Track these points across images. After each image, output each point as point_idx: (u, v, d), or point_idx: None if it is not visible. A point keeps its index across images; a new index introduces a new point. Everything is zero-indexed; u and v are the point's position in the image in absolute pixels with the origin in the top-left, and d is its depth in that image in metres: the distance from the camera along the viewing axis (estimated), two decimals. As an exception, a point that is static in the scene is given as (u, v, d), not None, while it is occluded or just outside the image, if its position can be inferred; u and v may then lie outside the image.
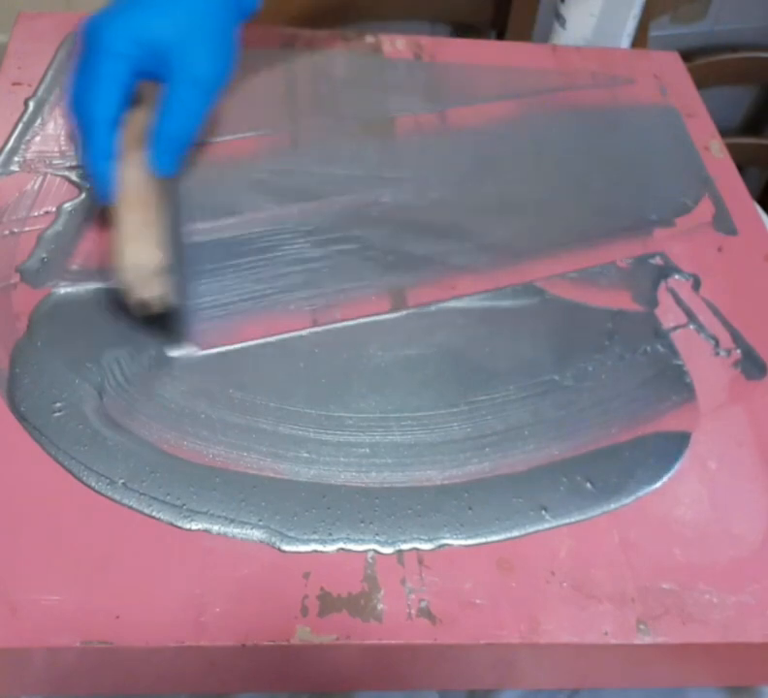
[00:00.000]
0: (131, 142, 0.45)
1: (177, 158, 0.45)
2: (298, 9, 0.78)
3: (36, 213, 0.49)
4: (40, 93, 0.55)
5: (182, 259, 0.45)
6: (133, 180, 0.45)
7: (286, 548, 0.38)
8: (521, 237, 0.52)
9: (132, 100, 0.45)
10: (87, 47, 0.44)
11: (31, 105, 0.54)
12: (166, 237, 0.44)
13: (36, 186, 0.50)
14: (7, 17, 0.61)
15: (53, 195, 0.50)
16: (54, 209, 0.49)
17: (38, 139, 0.53)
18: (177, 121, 0.44)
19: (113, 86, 0.43)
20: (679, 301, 0.50)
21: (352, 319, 0.46)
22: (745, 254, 0.53)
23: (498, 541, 0.39)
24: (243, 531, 0.38)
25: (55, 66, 0.57)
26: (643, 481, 0.42)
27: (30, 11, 0.60)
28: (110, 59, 0.43)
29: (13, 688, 0.39)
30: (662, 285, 0.51)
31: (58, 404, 0.41)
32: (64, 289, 0.45)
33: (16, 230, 0.48)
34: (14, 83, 0.55)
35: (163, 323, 0.44)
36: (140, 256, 0.43)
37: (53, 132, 0.53)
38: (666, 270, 0.51)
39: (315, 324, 0.45)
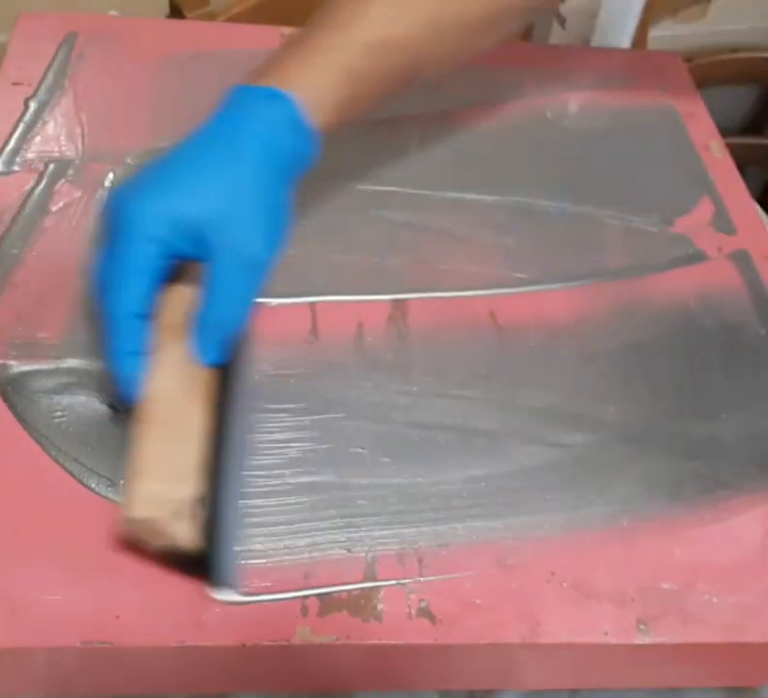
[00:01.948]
0: (168, 329, 0.38)
1: (225, 347, 0.38)
2: (298, 9, 0.78)
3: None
4: (40, 93, 0.55)
5: (227, 484, 0.36)
6: (167, 380, 0.37)
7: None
8: (524, 242, 0.52)
9: (169, 277, 0.39)
10: (113, 227, 0.37)
11: (31, 105, 0.54)
12: (204, 460, 0.36)
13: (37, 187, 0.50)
14: (7, 17, 0.61)
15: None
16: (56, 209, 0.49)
17: (38, 139, 0.53)
18: (225, 307, 0.38)
19: (143, 275, 0.37)
20: None
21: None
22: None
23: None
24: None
25: (55, 66, 0.57)
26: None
27: (30, 11, 0.60)
28: (139, 243, 0.37)
29: (13, 688, 0.39)
30: None
31: (59, 411, 0.41)
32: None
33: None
34: (14, 83, 0.55)
35: (192, 564, 0.35)
36: (161, 491, 0.34)
37: (53, 132, 0.53)
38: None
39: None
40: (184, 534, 0.34)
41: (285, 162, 0.40)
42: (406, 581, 0.38)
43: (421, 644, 0.37)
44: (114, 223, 0.37)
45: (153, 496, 0.34)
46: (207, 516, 0.34)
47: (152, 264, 0.37)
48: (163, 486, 0.34)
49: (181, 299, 0.38)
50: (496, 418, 0.43)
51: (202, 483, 0.35)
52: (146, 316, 0.38)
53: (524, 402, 0.44)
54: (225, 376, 0.38)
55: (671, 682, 0.42)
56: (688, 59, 0.74)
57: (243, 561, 0.37)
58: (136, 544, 0.35)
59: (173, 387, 0.37)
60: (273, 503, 0.39)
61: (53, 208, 0.49)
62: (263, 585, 0.37)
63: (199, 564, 0.35)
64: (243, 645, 0.36)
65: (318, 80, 0.41)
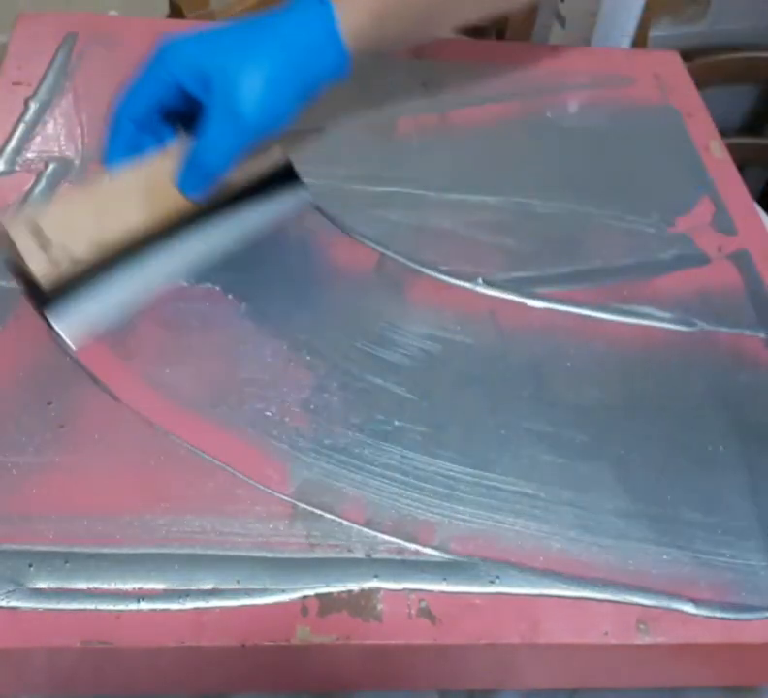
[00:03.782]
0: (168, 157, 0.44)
1: (204, 186, 0.44)
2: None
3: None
4: (40, 93, 0.55)
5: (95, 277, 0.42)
6: (136, 175, 0.43)
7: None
8: (524, 242, 0.52)
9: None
10: (146, 62, 0.44)
11: (31, 105, 0.54)
12: (110, 244, 0.42)
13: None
14: (7, 17, 0.61)
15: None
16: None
17: (38, 139, 0.53)
18: (206, 151, 0.42)
19: (152, 95, 0.43)
20: None
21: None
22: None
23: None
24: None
25: (55, 66, 0.57)
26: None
27: (30, 11, 0.60)
28: (157, 70, 0.43)
29: (13, 688, 0.39)
30: None
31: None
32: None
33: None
34: (14, 83, 0.55)
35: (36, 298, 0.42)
36: (44, 224, 0.40)
37: (53, 132, 0.53)
38: None
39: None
40: (36, 265, 0.40)
41: (311, 59, 0.44)
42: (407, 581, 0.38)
43: (421, 644, 0.37)
44: (148, 60, 0.43)
45: (33, 223, 0.40)
46: (73, 275, 0.41)
47: (162, 89, 0.43)
48: (48, 222, 0.40)
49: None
50: (498, 416, 0.44)
51: (89, 252, 0.41)
52: (144, 126, 0.44)
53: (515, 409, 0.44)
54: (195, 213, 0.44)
55: (671, 682, 0.42)
56: (689, 59, 0.73)
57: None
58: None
59: (135, 181, 0.43)
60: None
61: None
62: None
63: (41, 301, 0.41)
64: (243, 645, 0.36)
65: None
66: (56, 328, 0.42)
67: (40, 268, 0.40)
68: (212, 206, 0.45)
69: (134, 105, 0.44)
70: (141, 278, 0.44)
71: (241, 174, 0.45)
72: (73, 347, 0.42)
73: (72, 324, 0.42)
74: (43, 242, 0.40)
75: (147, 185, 0.43)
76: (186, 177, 0.43)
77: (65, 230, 0.41)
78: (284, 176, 0.47)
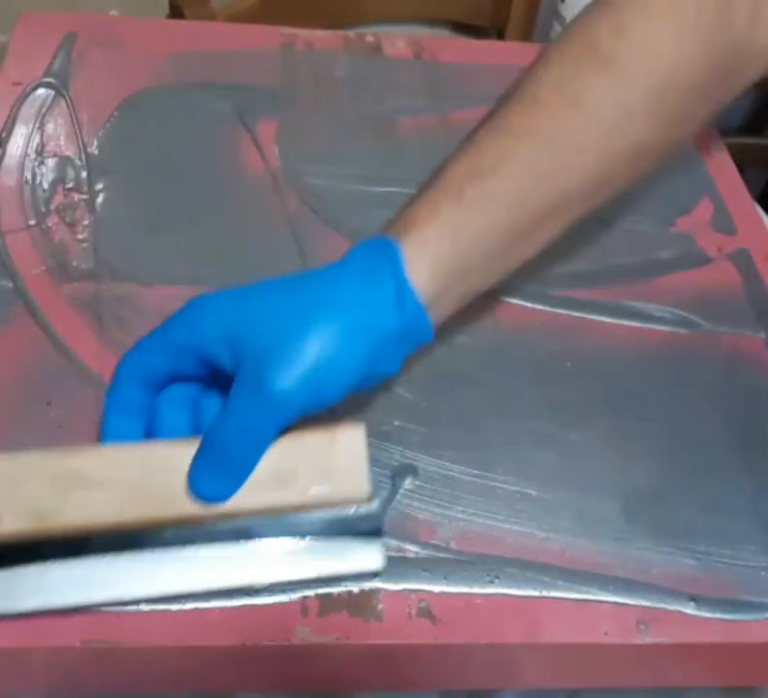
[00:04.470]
0: None
1: (224, 483, 0.34)
2: (298, 9, 0.78)
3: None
4: (39, 94, 0.55)
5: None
6: (131, 455, 0.34)
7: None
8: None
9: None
10: (170, 316, 0.36)
11: (31, 105, 0.54)
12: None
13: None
14: (7, 17, 0.61)
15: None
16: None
17: (38, 139, 0.53)
18: (226, 433, 0.33)
19: (165, 350, 0.35)
20: None
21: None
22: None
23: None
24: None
25: (55, 66, 0.57)
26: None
27: (30, 11, 0.60)
28: (174, 326, 0.35)
29: (13, 688, 0.39)
30: None
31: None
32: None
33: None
34: (14, 83, 0.55)
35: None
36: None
37: (54, 132, 0.53)
38: None
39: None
40: None
41: (375, 320, 0.35)
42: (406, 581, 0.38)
43: (421, 644, 0.37)
44: (172, 315, 0.35)
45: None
46: None
47: (179, 348, 0.35)
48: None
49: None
50: (498, 416, 0.44)
51: (22, 529, 0.33)
52: (153, 389, 0.36)
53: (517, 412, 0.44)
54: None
55: (671, 682, 0.42)
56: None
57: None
58: None
59: (131, 464, 0.34)
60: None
61: (53, 208, 0.49)
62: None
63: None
64: (243, 645, 0.36)
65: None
66: None
67: None
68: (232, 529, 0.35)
69: (143, 367, 0.35)
70: (79, 579, 0.34)
71: (295, 484, 0.34)
72: None
73: None
74: None
75: (150, 470, 0.34)
76: (200, 472, 0.34)
77: (11, 488, 0.33)
78: (364, 518, 0.36)
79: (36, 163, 0.51)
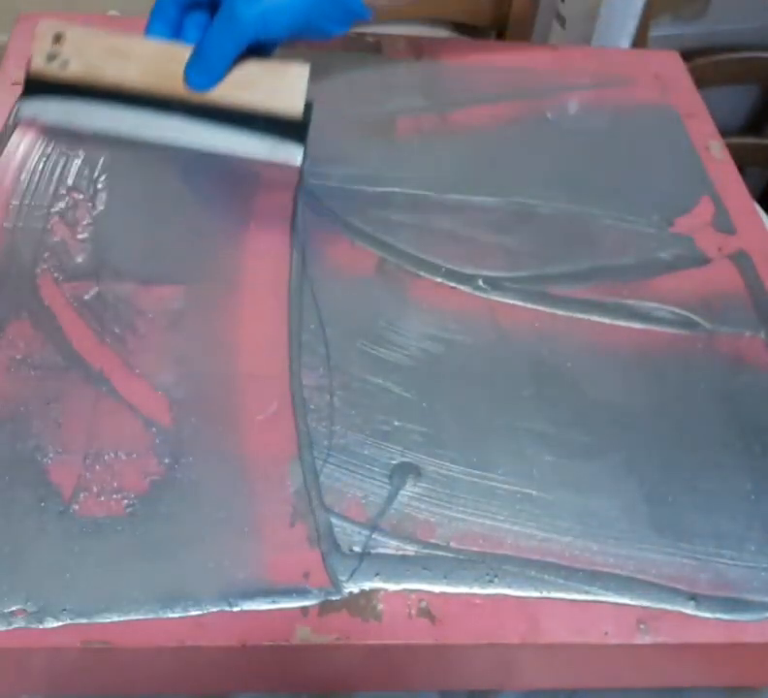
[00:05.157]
0: None
1: (203, 78, 0.50)
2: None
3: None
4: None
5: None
6: (167, 51, 0.50)
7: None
8: (524, 242, 0.52)
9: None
10: None
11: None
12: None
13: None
14: (7, 17, 0.61)
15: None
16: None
17: (38, 139, 0.53)
18: (208, 49, 0.49)
19: None
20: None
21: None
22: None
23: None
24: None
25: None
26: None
27: (30, 11, 0.60)
28: None
29: (13, 688, 0.39)
30: None
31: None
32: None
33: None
34: (14, 83, 0.55)
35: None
36: (76, 40, 0.51)
37: (53, 132, 0.53)
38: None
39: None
40: (36, 61, 0.51)
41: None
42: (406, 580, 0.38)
43: (421, 644, 0.37)
44: None
45: (59, 32, 0.52)
46: (59, 80, 0.51)
47: None
48: (70, 35, 0.52)
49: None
50: (498, 416, 0.44)
51: (85, 74, 0.51)
52: (182, 7, 0.50)
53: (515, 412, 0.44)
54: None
55: (671, 682, 0.42)
56: (689, 59, 0.73)
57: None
58: None
59: (160, 52, 0.50)
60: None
61: (54, 208, 0.49)
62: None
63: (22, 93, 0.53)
64: (243, 645, 0.36)
65: None
66: (19, 110, 0.52)
67: (37, 63, 0.51)
68: (209, 110, 0.51)
69: None
70: (115, 119, 0.52)
71: (256, 93, 0.50)
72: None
73: (33, 113, 0.52)
74: (55, 50, 0.51)
75: (167, 58, 0.50)
76: (189, 66, 0.50)
77: (79, 49, 0.51)
78: (293, 126, 0.51)
79: (36, 163, 0.51)
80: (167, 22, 0.51)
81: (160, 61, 0.50)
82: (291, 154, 0.52)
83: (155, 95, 0.51)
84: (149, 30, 0.51)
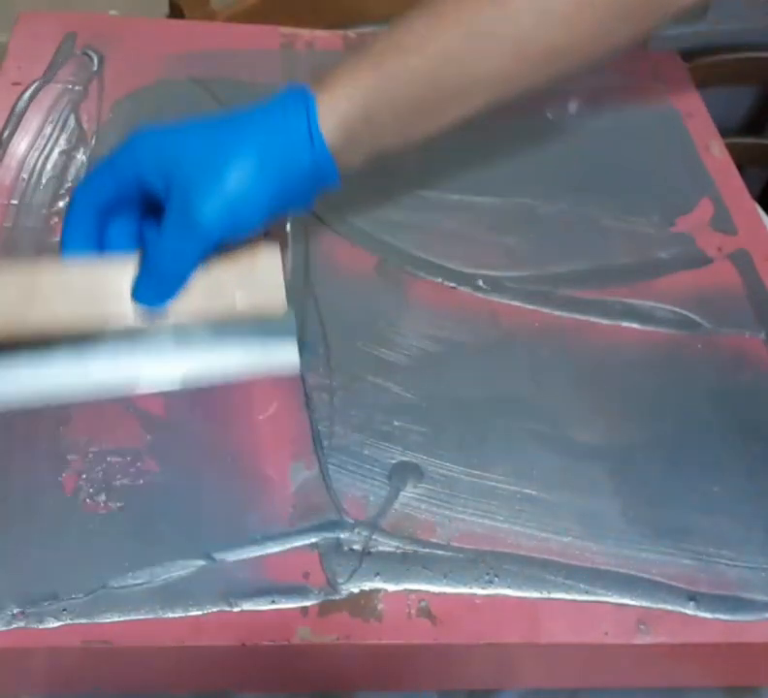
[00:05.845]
0: None
1: (159, 296, 0.39)
2: (298, 9, 0.78)
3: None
4: (40, 94, 0.55)
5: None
6: (99, 273, 0.39)
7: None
8: (524, 242, 0.52)
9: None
10: (115, 148, 0.40)
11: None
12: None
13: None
14: (7, 17, 0.61)
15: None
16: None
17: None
18: (155, 256, 0.39)
19: (108, 181, 0.39)
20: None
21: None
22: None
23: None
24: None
25: (55, 66, 0.57)
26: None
27: (30, 11, 0.60)
28: (119, 157, 0.39)
29: (13, 688, 0.39)
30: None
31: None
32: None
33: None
34: (14, 83, 0.55)
35: None
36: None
37: (54, 131, 0.53)
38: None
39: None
40: None
41: (286, 161, 0.39)
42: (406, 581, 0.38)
43: (421, 644, 0.37)
44: (117, 147, 0.40)
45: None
46: None
47: (123, 181, 0.39)
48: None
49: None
50: (498, 416, 0.44)
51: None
52: (102, 213, 0.40)
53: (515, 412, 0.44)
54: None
55: (671, 682, 0.42)
56: (689, 59, 0.73)
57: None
58: None
59: (89, 277, 0.39)
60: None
61: (54, 208, 0.49)
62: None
63: None
64: (243, 645, 0.36)
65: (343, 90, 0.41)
66: None
67: None
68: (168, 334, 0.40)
69: (93, 193, 0.40)
70: (42, 373, 0.39)
71: (225, 300, 0.40)
72: None
73: None
74: None
75: (100, 283, 0.39)
76: (140, 285, 0.39)
77: None
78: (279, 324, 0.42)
79: (36, 162, 0.51)
80: (86, 235, 0.40)
81: (95, 290, 0.39)
82: (287, 357, 0.42)
83: (99, 334, 0.40)
84: (66, 248, 0.40)
